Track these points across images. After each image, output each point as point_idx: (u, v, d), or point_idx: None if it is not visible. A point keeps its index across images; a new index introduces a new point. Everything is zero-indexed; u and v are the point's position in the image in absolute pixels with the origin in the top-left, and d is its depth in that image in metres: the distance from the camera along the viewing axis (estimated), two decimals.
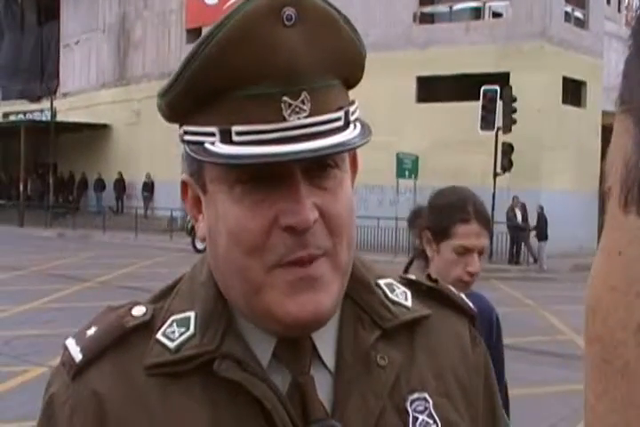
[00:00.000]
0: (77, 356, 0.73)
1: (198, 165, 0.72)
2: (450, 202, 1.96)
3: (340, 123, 0.69)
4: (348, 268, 0.73)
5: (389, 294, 0.80)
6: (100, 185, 26.03)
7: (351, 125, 0.71)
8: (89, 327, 0.76)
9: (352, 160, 0.77)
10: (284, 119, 0.66)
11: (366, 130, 0.72)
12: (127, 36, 27.34)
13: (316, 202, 0.69)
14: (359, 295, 0.77)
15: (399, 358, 0.76)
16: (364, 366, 0.74)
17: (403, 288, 0.82)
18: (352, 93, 0.76)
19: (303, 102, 0.67)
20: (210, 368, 0.71)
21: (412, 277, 0.86)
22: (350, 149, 0.70)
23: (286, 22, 0.65)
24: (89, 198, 26.89)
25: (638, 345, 0.23)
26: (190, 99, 0.69)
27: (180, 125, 0.73)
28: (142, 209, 23.56)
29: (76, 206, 25.79)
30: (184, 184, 0.76)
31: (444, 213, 1.94)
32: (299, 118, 0.67)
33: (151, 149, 23.86)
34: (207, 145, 0.68)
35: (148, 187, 24.59)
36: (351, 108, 0.71)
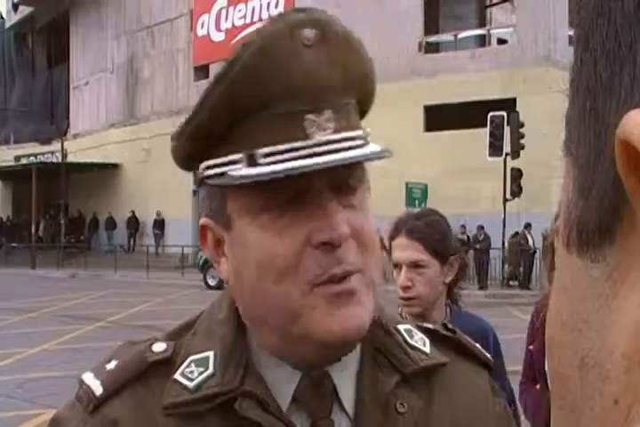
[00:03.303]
0: (98, 389, 0.71)
1: (221, 200, 0.70)
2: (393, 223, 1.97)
3: (361, 141, 0.70)
4: (377, 286, 0.72)
5: (408, 340, 0.78)
6: (111, 224, 26.20)
7: (370, 143, 0.71)
8: (108, 361, 0.74)
9: None
10: (309, 137, 0.66)
11: (385, 148, 0.72)
12: (136, 76, 27.78)
13: (347, 217, 0.68)
14: (378, 339, 0.76)
15: (418, 405, 0.74)
16: (383, 412, 0.73)
17: (421, 335, 0.81)
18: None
19: (328, 120, 0.67)
20: (230, 407, 0.69)
21: (429, 325, 0.85)
22: (376, 159, 0.69)
23: (306, 42, 0.66)
24: (100, 238, 27.06)
25: (581, 379, 0.23)
26: (214, 125, 0.68)
27: (200, 164, 0.72)
28: (153, 247, 23.61)
29: (87, 246, 25.92)
30: (203, 228, 0.74)
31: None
32: (324, 135, 0.67)
33: (161, 187, 24.01)
34: (230, 172, 0.68)
35: (159, 224, 24.68)
36: (367, 129, 0.72)
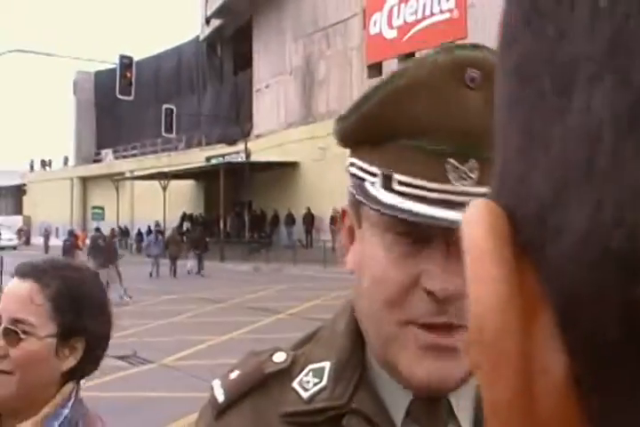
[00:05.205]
0: (220, 397, 0.75)
1: (357, 199, 0.70)
2: None
3: None
4: None
5: None
6: (291, 220, 26.77)
7: None
8: (232, 370, 0.77)
9: None
10: (449, 182, 0.64)
11: None
12: (312, 76, 28.62)
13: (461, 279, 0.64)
14: None
15: None
16: None
17: None
18: None
19: (471, 170, 0.65)
20: (339, 422, 0.70)
21: None
22: None
23: (469, 84, 0.64)
24: (280, 233, 27.72)
25: None
26: (360, 132, 0.69)
27: (350, 154, 0.73)
28: (330, 242, 24.23)
29: (269, 241, 26.85)
30: (344, 212, 0.76)
31: None
32: (464, 185, 0.64)
33: (337, 184, 24.32)
34: (367, 185, 0.68)
35: (336, 221, 25.19)
36: None
